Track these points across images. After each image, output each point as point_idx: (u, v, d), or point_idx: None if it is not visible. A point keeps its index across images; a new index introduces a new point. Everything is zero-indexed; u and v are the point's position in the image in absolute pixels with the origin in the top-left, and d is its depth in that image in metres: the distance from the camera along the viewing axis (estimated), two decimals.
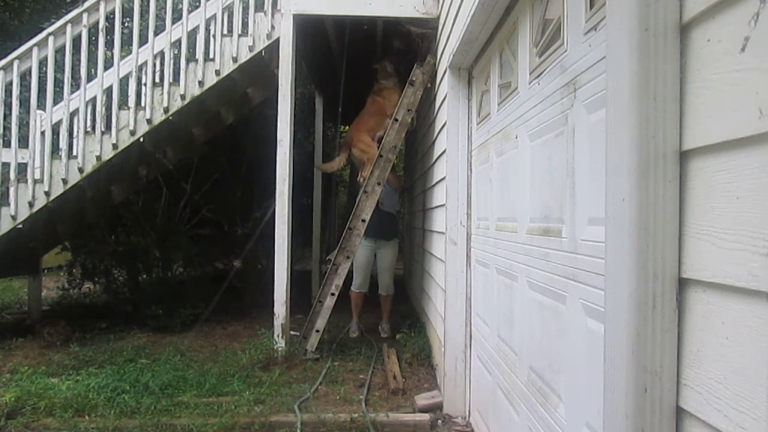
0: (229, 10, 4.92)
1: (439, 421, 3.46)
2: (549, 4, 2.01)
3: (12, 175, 4.67)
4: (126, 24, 5.40)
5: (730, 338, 0.88)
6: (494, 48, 2.88)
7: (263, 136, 6.03)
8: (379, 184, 4.69)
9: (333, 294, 4.61)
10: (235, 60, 4.85)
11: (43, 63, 4.76)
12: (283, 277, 4.52)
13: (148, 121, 4.82)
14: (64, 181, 4.74)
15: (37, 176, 4.71)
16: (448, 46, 3.66)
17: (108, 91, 4.82)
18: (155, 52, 4.86)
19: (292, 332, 4.73)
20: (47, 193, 4.72)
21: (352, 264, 4.85)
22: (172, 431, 3.22)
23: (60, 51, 4.75)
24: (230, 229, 6.82)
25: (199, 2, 4.88)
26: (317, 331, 4.61)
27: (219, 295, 5.84)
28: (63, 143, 4.74)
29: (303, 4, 4.62)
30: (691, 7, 0.98)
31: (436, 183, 4.39)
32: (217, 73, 4.84)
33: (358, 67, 6.16)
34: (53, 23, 4.82)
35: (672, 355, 1.01)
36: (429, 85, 4.66)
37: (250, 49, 4.83)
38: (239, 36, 4.84)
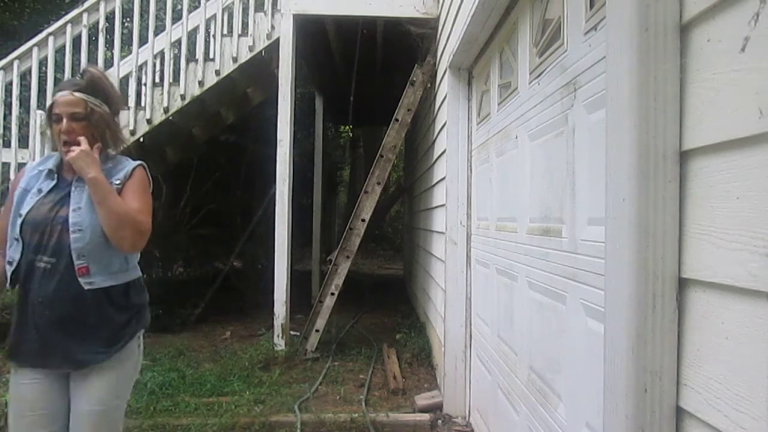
0: (229, 10, 4.93)
1: (439, 421, 3.46)
2: (549, 4, 2.01)
3: (12, 176, 4.67)
4: (126, 24, 5.39)
5: (730, 338, 0.88)
6: (494, 48, 2.88)
7: (263, 136, 6.03)
8: (378, 183, 4.69)
9: (333, 294, 4.62)
10: (235, 60, 4.84)
11: (43, 63, 4.74)
12: (283, 277, 4.52)
13: (148, 121, 4.81)
14: None
15: None
16: (448, 46, 3.66)
17: None
18: (155, 52, 4.85)
19: (292, 332, 4.73)
20: None
21: None
22: (172, 431, 3.22)
23: (60, 51, 4.74)
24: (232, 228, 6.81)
25: (199, 2, 4.87)
26: (317, 330, 4.62)
27: (212, 291, 5.85)
28: None
29: (303, 4, 4.62)
30: (691, 7, 0.98)
31: (436, 183, 4.38)
32: (217, 73, 4.84)
33: (359, 66, 6.16)
34: (53, 23, 4.81)
35: (672, 355, 1.01)
36: (429, 85, 4.66)
37: (250, 49, 4.83)
38: (239, 36, 4.83)
